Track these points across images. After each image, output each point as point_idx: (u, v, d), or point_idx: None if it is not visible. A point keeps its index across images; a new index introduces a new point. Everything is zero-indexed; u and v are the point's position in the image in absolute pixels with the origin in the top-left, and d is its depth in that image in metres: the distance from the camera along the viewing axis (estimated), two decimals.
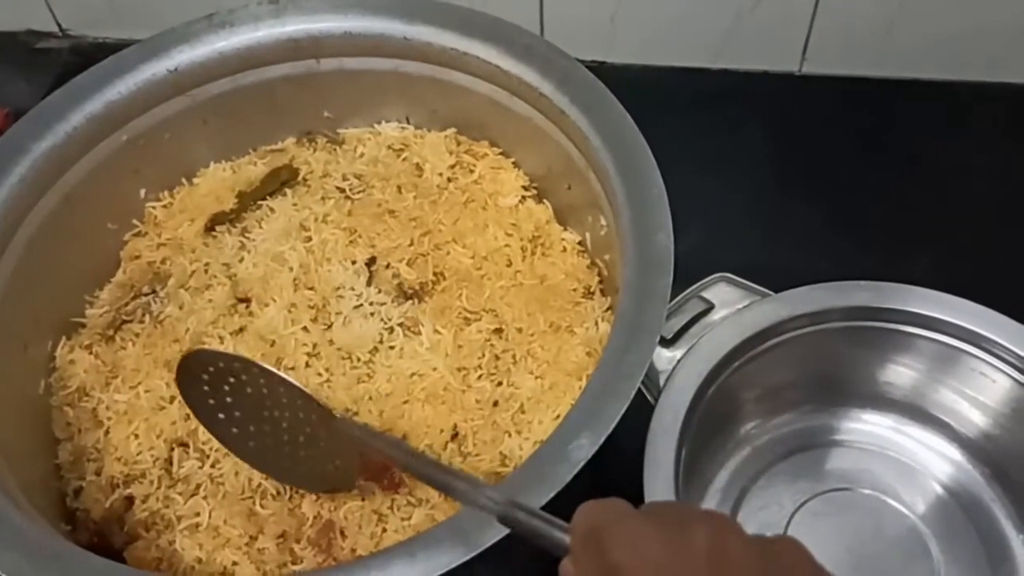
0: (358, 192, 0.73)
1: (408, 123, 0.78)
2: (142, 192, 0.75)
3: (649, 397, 0.65)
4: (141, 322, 0.70)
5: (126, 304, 0.71)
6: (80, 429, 0.66)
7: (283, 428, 0.59)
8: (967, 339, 0.67)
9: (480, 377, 0.65)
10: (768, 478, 0.71)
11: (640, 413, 0.53)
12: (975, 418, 0.70)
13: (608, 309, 0.68)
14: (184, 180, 0.77)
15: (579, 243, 0.72)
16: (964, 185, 0.86)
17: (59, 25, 1.00)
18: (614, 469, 0.53)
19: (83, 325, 0.71)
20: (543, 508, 0.45)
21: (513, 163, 0.75)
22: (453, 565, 0.49)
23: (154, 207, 0.75)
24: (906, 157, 0.89)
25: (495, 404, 0.64)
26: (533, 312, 0.67)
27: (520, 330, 0.67)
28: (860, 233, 0.83)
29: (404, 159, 0.76)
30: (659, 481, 0.61)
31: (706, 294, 0.72)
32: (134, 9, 0.96)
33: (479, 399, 0.64)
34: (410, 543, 0.50)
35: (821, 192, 0.87)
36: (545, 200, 0.74)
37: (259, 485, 0.62)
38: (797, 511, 0.69)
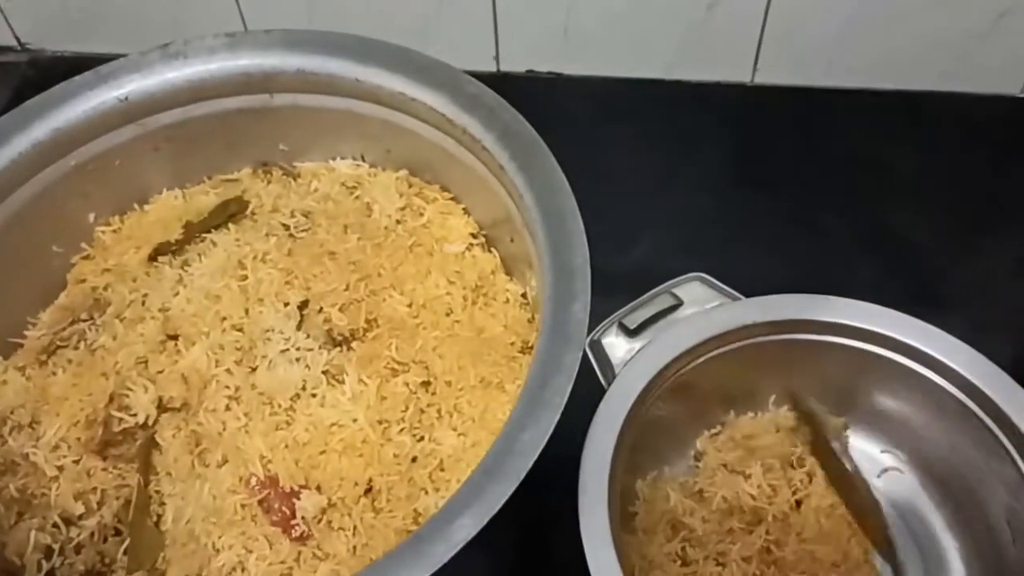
0: (303, 231, 0.72)
1: (363, 161, 0.77)
2: (91, 216, 0.75)
3: (604, 383, 0.67)
4: (76, 348, 0.69)
5: (63, 329, 0.71)
6: None
7: None
8: (888, 345, 0.68)
9: (401, 431, 0.64)
10: None
11: (595, 396, 0.59)
12: (906, 424, 0.71)
13: None
14: (136, 205, 0.76)
15: (523, 295, 0.71)
16: (914, 193, 0.89)
17: (17, 39, 1.00)
18: (559, 446, 0.53)
19: (22, 346, 0.71)
20: None
21: (463, 209, 0.74)
22: None
23: (103, 231, 0.75)
24: (857, 166, 0.91)
25: (414, 460, 0.63)
26: (464, 366, 0.66)
27: (449, 383, 0.66)
28: (812, 241, 0.86)
29: (356, 197, 0.75)
30: (595, 462, 0.62)
31: (678, 291, 0.72)
32: (93, 23, 0.96)
33: (397, 454, 0.63)
34: None
35: (774, 200, 0.89)
36: (493, 249, 0.73)
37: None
38: None
